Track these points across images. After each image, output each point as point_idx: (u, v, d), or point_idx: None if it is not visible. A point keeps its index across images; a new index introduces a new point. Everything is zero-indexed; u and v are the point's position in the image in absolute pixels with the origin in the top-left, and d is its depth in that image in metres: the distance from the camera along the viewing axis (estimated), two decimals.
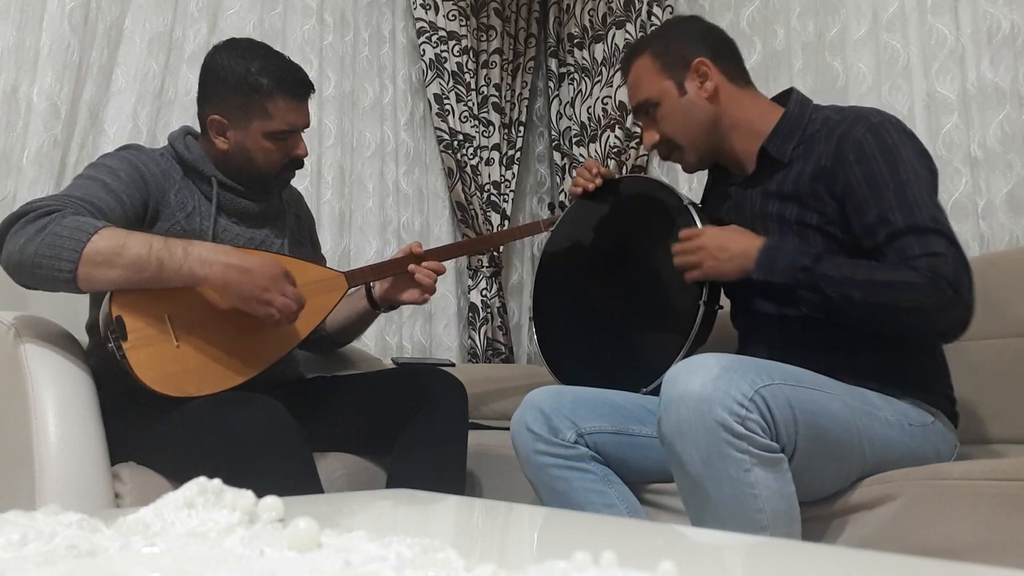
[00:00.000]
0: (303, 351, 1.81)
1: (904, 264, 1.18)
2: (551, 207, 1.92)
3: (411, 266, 1.60)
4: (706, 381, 1.07)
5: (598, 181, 1.61)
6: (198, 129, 1.57)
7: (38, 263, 1.26)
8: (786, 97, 1.42)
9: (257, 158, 1.50)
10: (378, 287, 1.65)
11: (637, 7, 2.64)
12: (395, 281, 1.63)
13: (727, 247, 1.32)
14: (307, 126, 1.54)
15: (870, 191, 1.23)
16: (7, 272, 1.31)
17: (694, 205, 1.47)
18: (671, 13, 2.55)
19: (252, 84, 1.46)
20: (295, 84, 1.50)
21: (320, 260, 1.76)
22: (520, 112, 2.96)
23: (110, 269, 1.27)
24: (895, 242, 1.20)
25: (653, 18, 2.56)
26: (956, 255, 1.18)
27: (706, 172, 1.56)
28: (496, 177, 2.85)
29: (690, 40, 1.41)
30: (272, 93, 1.47)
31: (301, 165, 1.57)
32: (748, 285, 1.31)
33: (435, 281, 1.62)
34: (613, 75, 2.71)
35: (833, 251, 1.28)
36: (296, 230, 1.68)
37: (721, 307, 1.44)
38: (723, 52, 1.42)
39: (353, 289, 1.64)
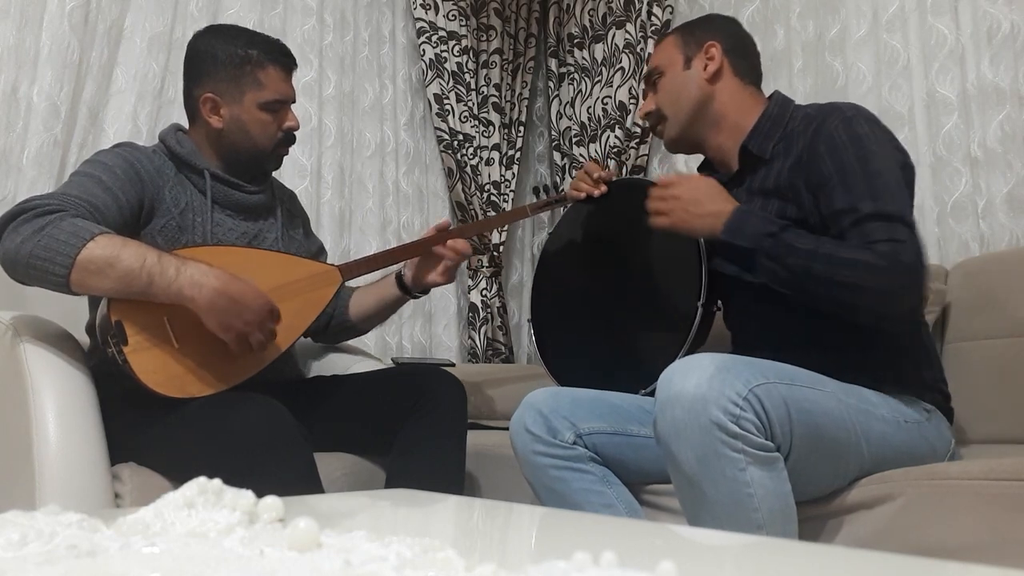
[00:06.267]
0: (319, 342, 1.86)
1: (866, 246, 1.19)
2: (536, 191, 1.90)
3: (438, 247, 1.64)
4: (700, 381, 1.07)
5: (602, 188, 1.61)
6: (187, 124, 1.58)
7: (33, 264, 1.26)
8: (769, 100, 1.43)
9: (253, 131, 1.53)
10: (408, 272, 1.69)
11: (637, 7, 2.64)
12: (420, 264, 1.67)
13: (702, 202, 1.31)
14: (294, 100, 1.59)
15: (839, 180, 1.24)
16: (3, 268, 1.31)
17: None
18: (671, 13, 2.55)
19: (242, 56, 1.51)
20: (282, 54, 1.56)
21: (320, 255, 1.78)
22: (520, 112, 2.96)
23: (102, 278, 1.27)
24: (860, 226, 1.21)
25: (653, 18, 2.56)
26: (916, 245, 1.19)
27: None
28: (496, 177, 2.85)
29: (714, 30, 1.47)
30: (263, 63, 1.52)
31: (294, 140, 1.60)
32: (760, 298, 1.30)
33: (459, 256, 1.65)
34: (613, 75, 2.71)
35: None
36: (289, 225, 1.68)
37: (719, 308, 1.44)
38: (739, 48, 1.46)
39: (382, 276, 1.70)
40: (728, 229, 1.27)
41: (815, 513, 1.18)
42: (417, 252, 1.67)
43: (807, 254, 1.20)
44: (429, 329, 2.77)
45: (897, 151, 1.28)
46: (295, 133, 1.59)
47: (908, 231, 1.19)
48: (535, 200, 1.81)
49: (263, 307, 1.36)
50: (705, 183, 1.35)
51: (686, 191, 1.33)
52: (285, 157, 1.62)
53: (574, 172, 2.81)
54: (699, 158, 1.55)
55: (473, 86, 2.84)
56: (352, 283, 1.69)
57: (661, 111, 1.47)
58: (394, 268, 1.72)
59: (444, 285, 1.70)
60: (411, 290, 1.70)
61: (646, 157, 2.61)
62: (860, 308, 1.21)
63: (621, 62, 2.67)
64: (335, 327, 1.77)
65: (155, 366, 1.34)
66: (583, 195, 1.62)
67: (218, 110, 1.52)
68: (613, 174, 1.70)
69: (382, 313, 1.77)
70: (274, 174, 1.69)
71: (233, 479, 0.63)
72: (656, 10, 2.56)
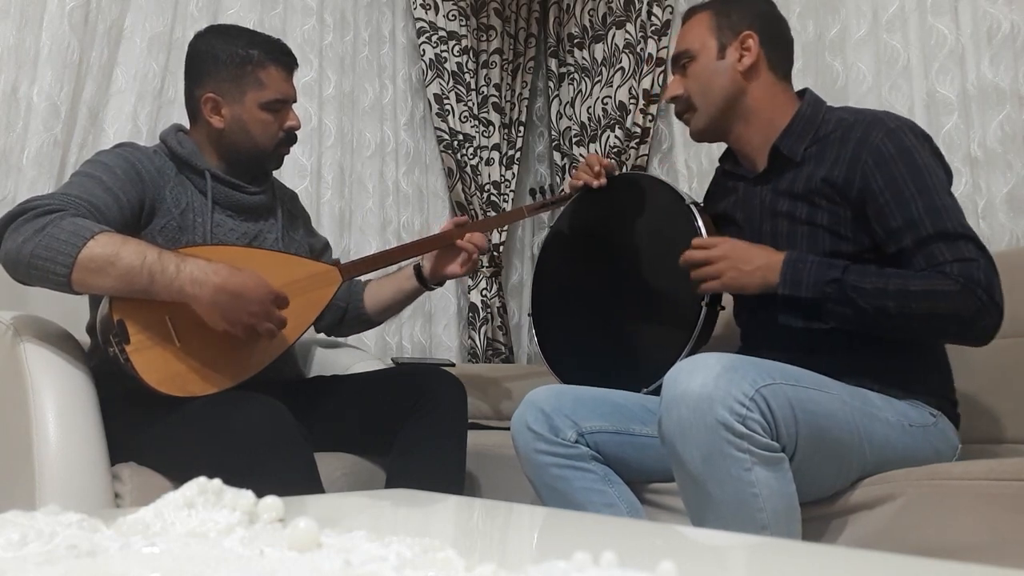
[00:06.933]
0: (333, 336, 1.88)
1: (935, 271, 1.18)
2: (532, 192, 1.90)
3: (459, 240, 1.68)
4: (707, 380, 1.06)
5: (602, 180, 1.60)
6: (187, 124, 1.59)
7: (34, 264, 1.26)
8: (800, 97, 1.42)
9: (254, 131, 1.53)
10: (427, 265, 1.72)
11: (637, 7, 2.64)
12: (439, 257, 1.70)
13: (750, 258, 1.29)
14: (296, 100, 1.59)
15: (892, 196, 1.23)
16: (4, 268, 1.31)
17: (695, 204, 1.47)
18: (671, 13, 2.55)
19: (243, 56, 1.51)
20: (283, 54, 1.56)
21: (325, 251, 1.78)
22: (520, 112, 2.96)
23: (103, 277, 1.28)
24: (924, 248, 1.20)
25: (653, 18, 2.56)
26: (986, 260, 1.18)
27: (708, 174, 1.56)
28: (496, 177, 2.85)
29: (750, 15, 1.41)
30: (264, 63, 1.52)
31: (295, 140, 1.61)
32: (771, 300, 1.29)
33: (477, 251, 1.68)
34: (613, 75, 2.71)
35: (843, 253, 1.28)
36: (289, 226, 1.69)
37: (723, 307, 1.43)
38: (775, 39, 1.42)
39: (395, 270, 1.74)
40: (786, 282, 1.25)
41: (817, 513, 1.18)
42: (432, 247, 1.70)
43: (877, 293, 1.19)
44: (429, 329, 2.77)
45: (941, 161, 1.28)
46: (296, 133, 1.59)
47: (974, 247, 1.19)
48: (533, 201, 1.82)
49: (266, 296, 1.36)
50: (742, 241, 1.33)
51: (730, 249, 1.30)
52: (286, 157, 1.63)
53: (574, 172, 2.81)
54: (698, 152, 1.54)
55: (473, 86, 2.84)
56: (366, 276, 1.72)
57: (690, 99, 1.43)
58: (392, 267, 1.72)
59: (461, 277, 1.75)
60: (428, 282, 1.72)
61: (646, 157, 2.61)
62: (940, 335, 1.22)
63: (621, 62, 2.67)
64: (350, 319, 1.79)
65: (157, 365, 1.34)
66: (581, 182, 1.62)
67: (219, 110, 1.52)
68: (615, 167, 1.69)
69: (398, 305, 1.79)
70: (275, 174, 1.69)
71: (233, 479, 0.63)
72: (656, 10, 2.56)
